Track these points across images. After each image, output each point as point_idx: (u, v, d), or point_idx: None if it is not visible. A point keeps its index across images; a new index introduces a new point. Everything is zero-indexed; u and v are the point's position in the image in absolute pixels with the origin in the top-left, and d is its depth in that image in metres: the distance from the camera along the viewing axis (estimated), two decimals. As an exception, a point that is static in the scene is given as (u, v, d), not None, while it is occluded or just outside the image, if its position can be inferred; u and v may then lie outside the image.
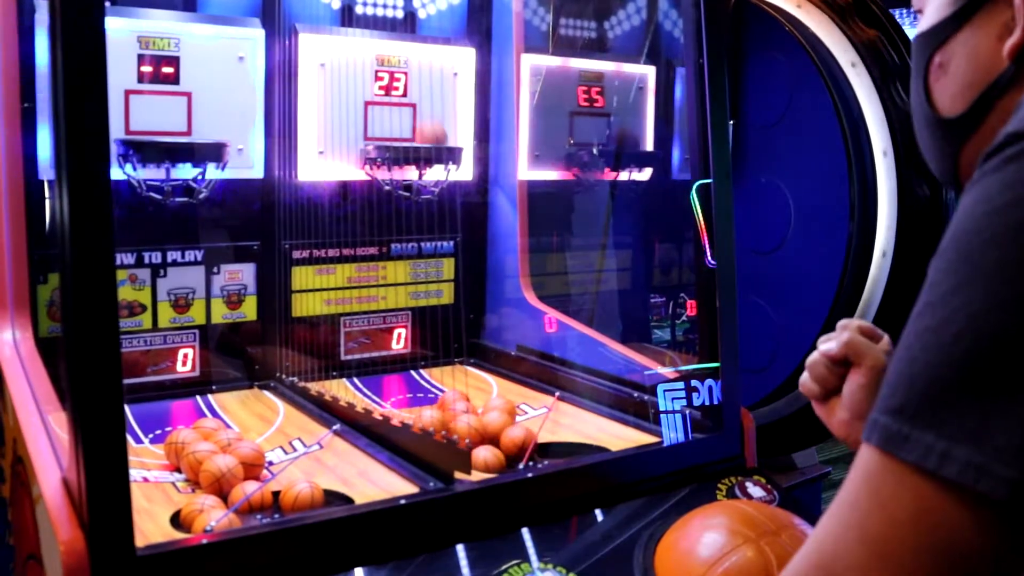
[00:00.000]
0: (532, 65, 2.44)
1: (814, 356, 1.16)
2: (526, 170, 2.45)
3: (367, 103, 2.19)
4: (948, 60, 0.92)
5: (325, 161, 2.15)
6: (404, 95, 2.22)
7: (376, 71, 2.19)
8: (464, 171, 2.31)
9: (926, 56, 0.95)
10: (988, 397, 0.64)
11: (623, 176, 2.60)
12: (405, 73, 2.22)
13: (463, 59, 2.32)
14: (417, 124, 2.20)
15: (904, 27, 2.53)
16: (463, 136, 2.33)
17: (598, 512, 1.73)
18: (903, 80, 2.45)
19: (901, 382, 0.69)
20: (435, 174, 2.20)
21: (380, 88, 2.20)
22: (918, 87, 0.97)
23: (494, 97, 2.44)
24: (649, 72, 2.67)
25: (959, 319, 0.67)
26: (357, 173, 2.18)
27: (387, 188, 2.16)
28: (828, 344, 1.14)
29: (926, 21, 0.95)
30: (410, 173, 2.18)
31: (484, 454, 1.78)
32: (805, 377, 1.17)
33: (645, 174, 2.65)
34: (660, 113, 2.70)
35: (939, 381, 0.67)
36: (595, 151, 2.55)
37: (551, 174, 2.52)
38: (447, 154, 2.20)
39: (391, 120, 2.21)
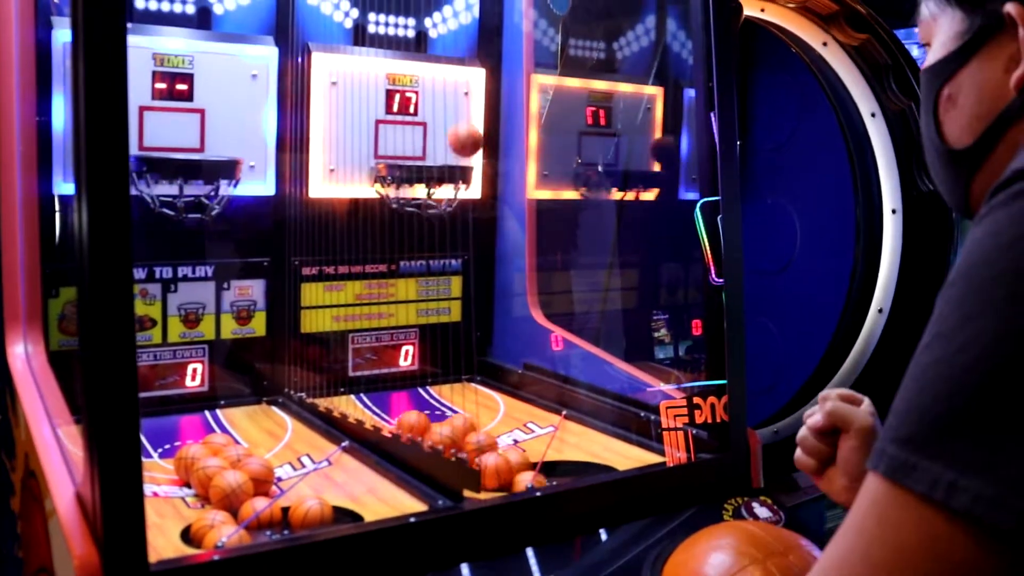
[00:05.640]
0: (541, 85, 2.45)
1: (802, 432, 1.22)
2: (534, 189, 2.46)
3: (378, 121, 2.20)
4: (956, 93, 0.95)
5: (335, 178, 2.16)
6: (415, 114, 2.24)
7: (387, 90, 2.21)
8: (473, 189, 2.32)
9: (935, 89, 0.97)
10: (996, 429, 0.65)
11: (630, 196, 2.61)
12: (416, 92, 2.24)
13: (474, 78, 2.34)
14: (451, 130, 2.11)
15: (912, 51, 2.54)
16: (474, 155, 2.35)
17: (603, 532, 1.73)
18: (906, 95, 2.46)
19: (910, 412, 0.70)
20: (445, 192, 2.22)
21: (391, 107, 2.21)
22: (928, 120, 0.99)
23: (504, 116, 2.46)
24: (657, 93, 2.69)
25: (968, 351, 0.68)
26: (367, 191, 2.19)
27: (395, 206, 2.17)
28: (814, 417, 1.19)
29: (933, 55, 0.97)
30: (420, 192, 2.20)
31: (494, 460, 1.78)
32: (799, 453, 1.22)
33: (651, 194, 2.66)
34: (668, 133, 2.71)
35: (948, 412, 0.68)
36: (600, 168, 2.57)
37: (559, 193, 2.54)
38: (457, 173, 2.21)
39: (402, 138, 2.22)
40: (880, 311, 2.49)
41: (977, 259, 0.71)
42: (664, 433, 1.89)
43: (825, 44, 2.51)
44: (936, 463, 0.67)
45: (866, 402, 1.19)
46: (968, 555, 0.65)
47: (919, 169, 2.44)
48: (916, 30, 1.04)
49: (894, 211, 2.48)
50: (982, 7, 0.91)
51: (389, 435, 1.82)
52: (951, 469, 0.66)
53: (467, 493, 1.62)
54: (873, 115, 2.50)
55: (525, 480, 1.77)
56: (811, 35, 2.52)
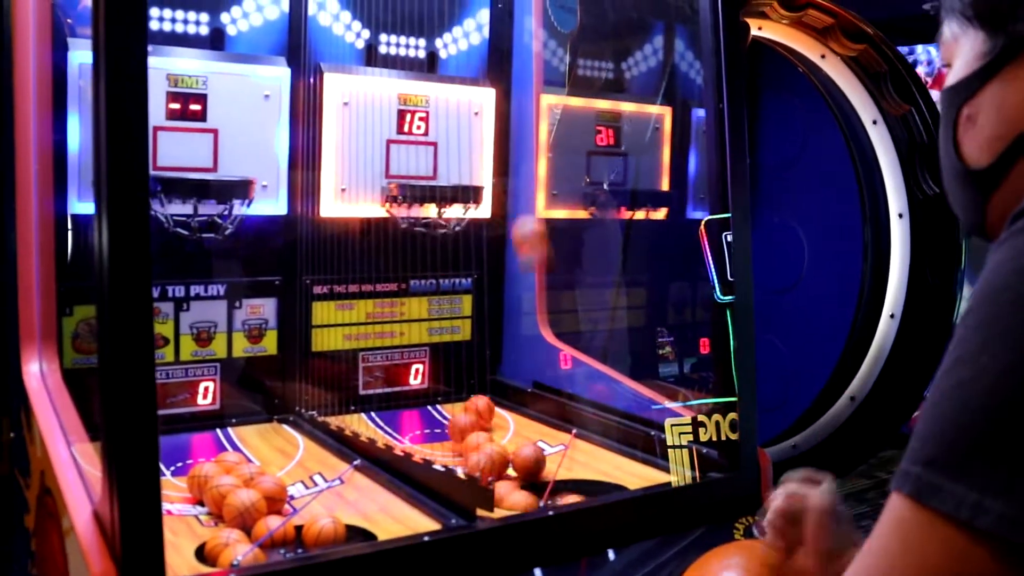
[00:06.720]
0: (551, 105, 2.47)
1: (768, 516, 1.30)
2: (544, 208, 2.47)
3: (389, 141, 2.22)
4: (976, 113, 0.94)
5: (347, 197, 2.17)
6: (426, 134, 2.26)
7: (399, 110, 2.23)
8: (483, 209, 2.34)
9: (955, 108, 0.97)
10: (1016, 451, 0.66)
11: (639, 215, 2.62)
12: (427, 112, 2.26)
13: (484, 98, 2.36)
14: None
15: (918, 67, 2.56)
16: (484, 174, 2.36)
17: (610, 552, 1.73)
18: (905, 100, 2.48)
19: (932, 435, 0.71)
20: (455, 212, 2.23)
21: (402, 127, 2.23)
22: (947, 139, 0.99)
23: (513, 135, 2.47)
24: (666, 112, 2.71)
25: (988, 375, 0.69)
26: (378, 210, 2.21)
27: (405, 226, 2.19)
28: (775, 502, 1.28)
29: (955, 74, 0.97)
30: (430, 211, 2.21)
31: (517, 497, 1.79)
32: (770, 536, 1.30)
33: (660, 213, 2.67)
34: (676, 153, 2.73)
35: (969, 435, 0.68)
36: (605, 186, 2.58)
37: (568, 212, 2.55)
38: (468, 193, 2.22)
39: (413, 158, 2.24)
40: (892, 316, 2.49)
41: (997, 284, 0.72)
42: (670, 451, 1.89)
43: (824, 56, 2.54)
44: (959, 484, 0.67)
45: (826, 481, 1.26)
46: (991, 574, 0.66)
47: (923, 173, 2.45)
48: (938, 49, 1.04)
49: (900, 215, 2.49)
50: (1005, 29, 0.91)
51: (401, 454, 1.83)
52: (975, 490, 0.67)
53: (480, 512, 1.62)
54: (875, 122, 2.52)
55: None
56: (809, 49, 2.55)
